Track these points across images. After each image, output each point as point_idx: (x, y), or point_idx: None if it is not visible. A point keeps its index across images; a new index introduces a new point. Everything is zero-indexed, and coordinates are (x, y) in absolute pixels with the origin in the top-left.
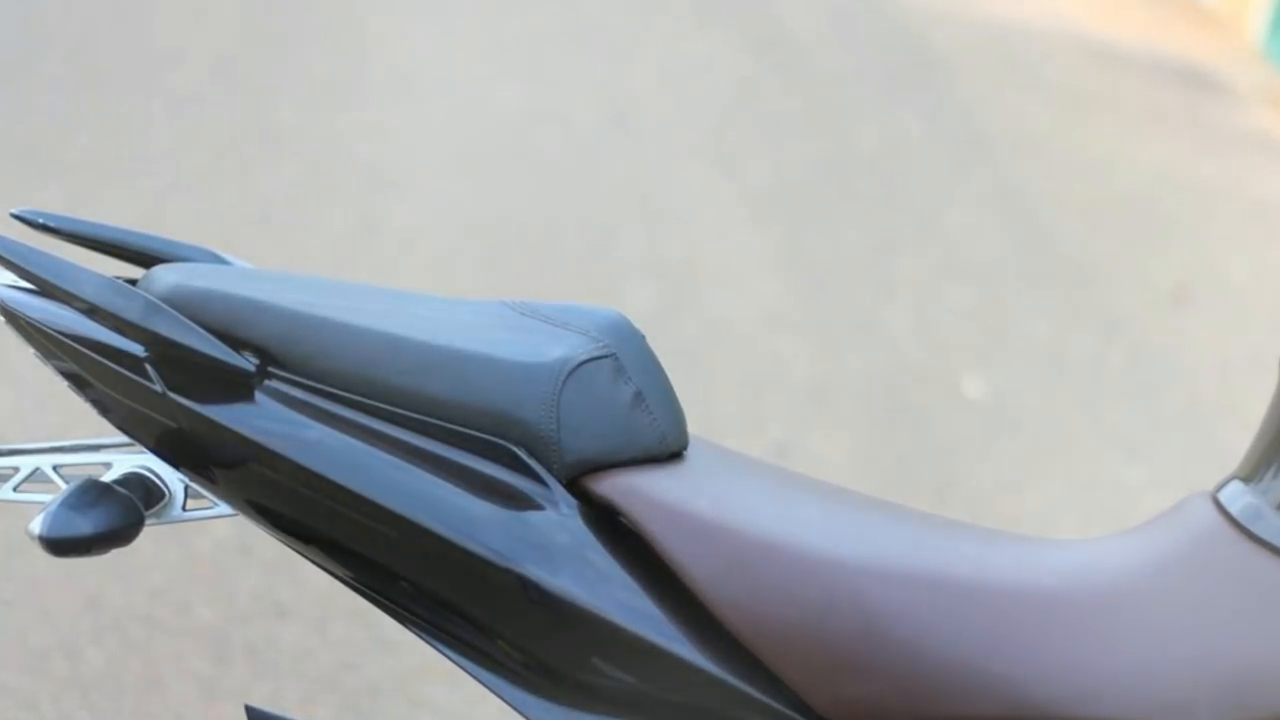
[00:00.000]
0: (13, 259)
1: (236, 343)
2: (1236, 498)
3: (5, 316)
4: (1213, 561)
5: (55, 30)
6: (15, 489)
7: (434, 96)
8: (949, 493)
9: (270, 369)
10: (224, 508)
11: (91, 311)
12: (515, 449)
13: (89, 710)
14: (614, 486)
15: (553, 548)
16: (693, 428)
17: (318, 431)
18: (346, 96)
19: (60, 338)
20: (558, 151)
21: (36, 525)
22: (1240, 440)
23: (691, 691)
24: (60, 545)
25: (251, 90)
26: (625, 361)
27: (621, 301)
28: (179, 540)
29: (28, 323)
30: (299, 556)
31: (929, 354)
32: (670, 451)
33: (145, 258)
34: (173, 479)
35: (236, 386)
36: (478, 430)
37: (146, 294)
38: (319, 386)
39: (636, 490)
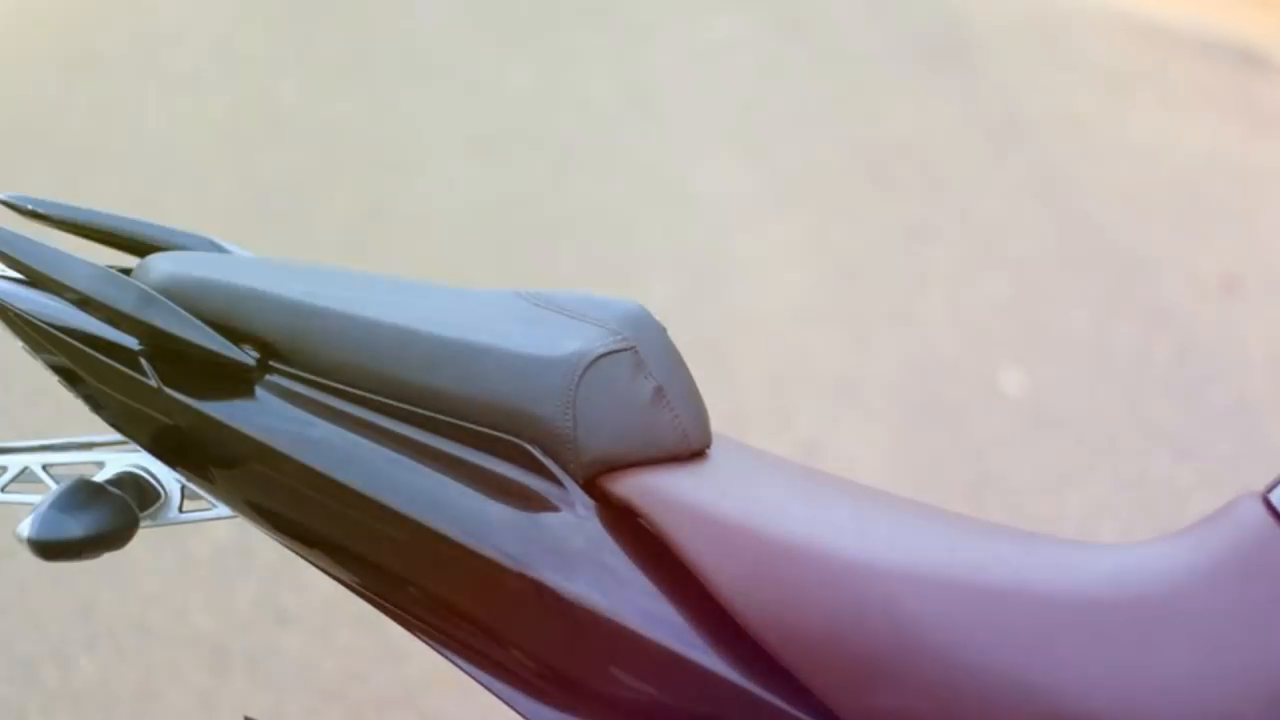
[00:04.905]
0: (0, 247)
1: (236, 335)
2: None
3: None
4: (1264, 565)
5: (47, 8)
6: (3, 489)
7: (444, 76)
8: (986, 493)
9: (271, 363)
10: (223, 509)
11: (83, 302)
12: (529, 447)
13: None
14: (633, 487)
15: (569, 551)
16: (716, 425)
17: (321, 429)
18: (351, 76)
19: (50, 330)
20: (574, 134)
21: (25, 527)
22: None
23: (715, 703)
24: (50, 549)
25: (251, 70)
26: (645, 355)
27: (641, 292)
28: (175, 543)
29: (16, 314)
30: (302, 561)
31: (964, 347)
32: (693, 450)
33: (140, 245)
34: (169, 479)
35: (236, 381)
36: (490, 427)
37: (141, 284)
38: (323, 381)
39: (657, 491)
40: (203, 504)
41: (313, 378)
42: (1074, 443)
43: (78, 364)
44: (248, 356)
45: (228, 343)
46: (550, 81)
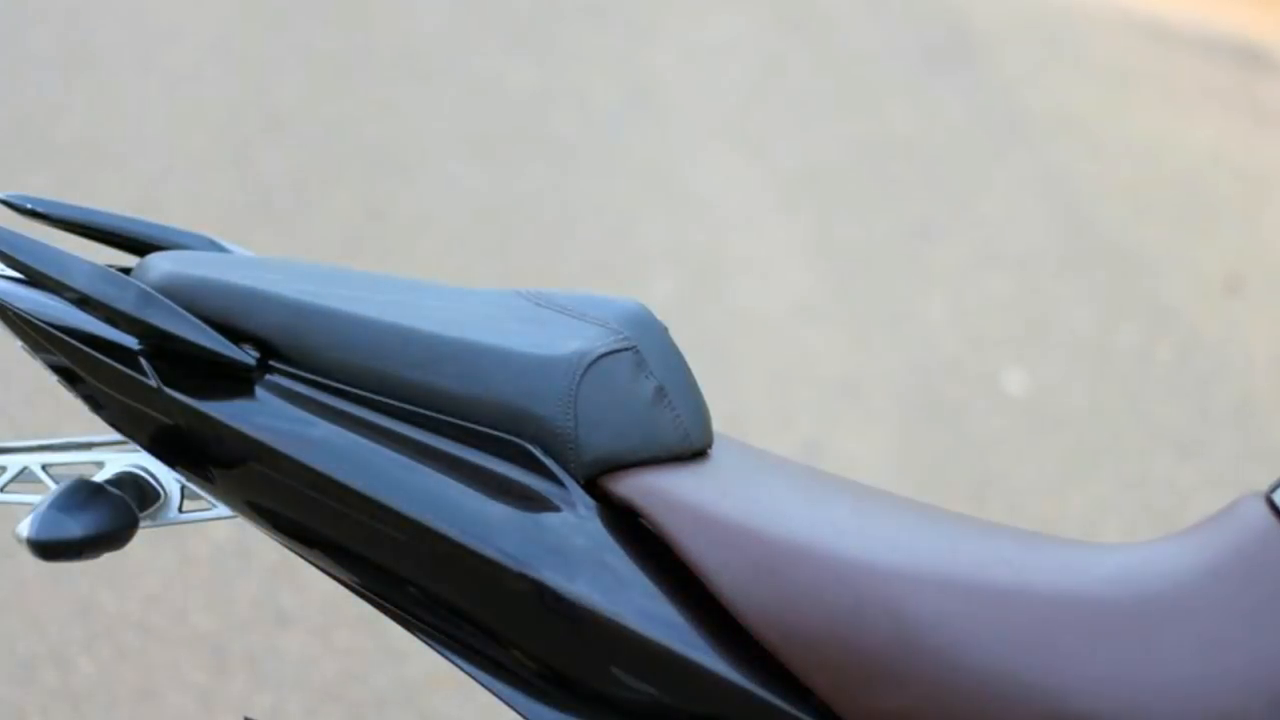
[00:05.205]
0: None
1: (236, 334)
2: None
3: None
4: (1267, 565)
5: (45, 4)
6: (2, 489)
7: (444, 74)
8: (988, 493)
9: (271, 362)
10: (222, 509)
11: (82, 302)
12: (530, 447)
13: None
14: (634, 487)
15: (570, 551)
16: (718, 424)
17: (322, 429)
18: (351, 74)
19: (49, 329)
20: (574, 133)
21: (24, 528)
22: None
23: (716, 703)
24: (49, 549)
25: (251, 68)
26: (646, 354)
27: (642, 291)
28: (175, 543)
29: (15, 314)
30: (301, 561)
31: (967, 346)
32: (694, 450)
33: (140, 245)
34: (168, 479)
35: (236, 381)
36: (491, 427)
37: (141, 283)
38: (323, 381)
39: (658, 491)
40: (203, 504)
41: (313, 377)
42: (1076, 442)
43: (77, 363)
44: (248, 356)
45: (228, 342)
46: (551, 80)
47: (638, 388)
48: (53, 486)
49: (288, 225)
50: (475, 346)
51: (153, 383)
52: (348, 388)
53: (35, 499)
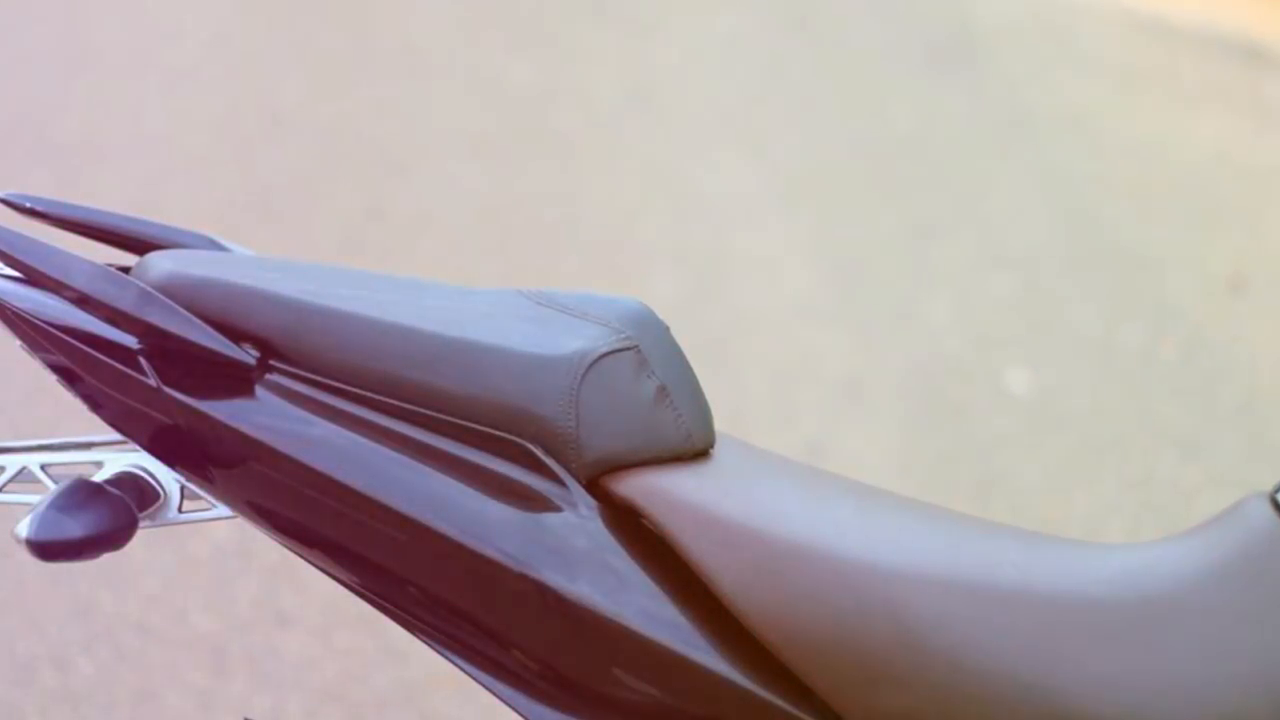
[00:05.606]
0: None
1: (236, 334)
2: None
3: None
4: (1271, 566)
5: (45, 4)
6: (1, 489)
7: (445, 72)
8: (991, 493)
9: (271, 362)
10: (222, 509)
11: (82, 301)
12: (531, 447)
13: None
14: (636, 487)
15: (571, 552)
16: (720, 424)
17: (322, 428)
18: (352, 73)
19: (49, 329)
20: (576, 131)
21: (23, 528)
22: None
23: (717, 704)
24: (48, 549)
25: (251, 66)
26: (648, 354)
27: (644, 290)
28: (175, 544)
29: (14, 313)
30: (301, 561)
31: (970, 346)
32: (696, 450)
33: (139, 244)
34: (168, 479)
35: (236, 380)
36: (492, 427)
37: (140, 282)
38: (323, 380)
39: (660, 491)
40: (202, 504)
41: (313, 377)
42: (1080, 442)
43: (76, 363)
44: (247, 355)
45: (227, 341)
46: (552, 78)
47: (639, 387)
48: (52, 486)
49: (288, 225)
50: (476, 346)
51: (152, 382)
52: (348, 387)
53: (34, 499)
